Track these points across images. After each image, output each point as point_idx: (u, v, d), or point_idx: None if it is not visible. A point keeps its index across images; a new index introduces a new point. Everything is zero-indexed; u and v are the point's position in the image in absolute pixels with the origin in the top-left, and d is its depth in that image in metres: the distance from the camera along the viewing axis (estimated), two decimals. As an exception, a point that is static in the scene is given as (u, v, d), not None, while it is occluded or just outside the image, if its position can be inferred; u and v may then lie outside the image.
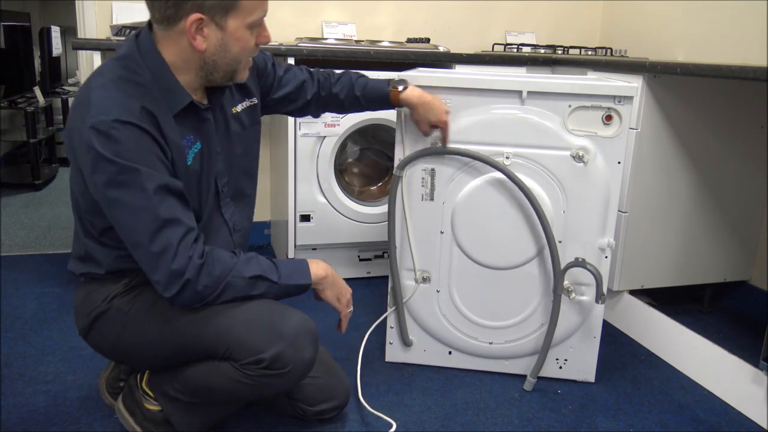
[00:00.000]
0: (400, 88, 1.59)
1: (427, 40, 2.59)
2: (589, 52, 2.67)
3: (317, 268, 1.35)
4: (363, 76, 1.64)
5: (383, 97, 1.60)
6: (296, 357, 1.24)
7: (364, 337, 1.79)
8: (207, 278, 1.19)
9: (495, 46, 2.80)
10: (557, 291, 1.69)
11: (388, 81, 1.61)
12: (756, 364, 1.64)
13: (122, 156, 1.12)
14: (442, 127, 1.62)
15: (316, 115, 1.69)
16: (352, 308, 1.45)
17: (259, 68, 1.49)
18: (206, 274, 1.19)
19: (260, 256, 1.29)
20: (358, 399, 1.62)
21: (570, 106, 1.62)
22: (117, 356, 1.40)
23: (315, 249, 2.42)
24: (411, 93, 1.58)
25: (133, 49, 1.22)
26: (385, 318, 1.82)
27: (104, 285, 1.32)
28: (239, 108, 1.41)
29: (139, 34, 1.24)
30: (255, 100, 1.46)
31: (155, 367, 1.41)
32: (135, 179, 1.13)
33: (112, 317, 1.31)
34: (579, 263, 1.66)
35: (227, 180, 1.39)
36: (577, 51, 2.68)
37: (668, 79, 1.95)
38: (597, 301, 1.67)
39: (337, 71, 1.65)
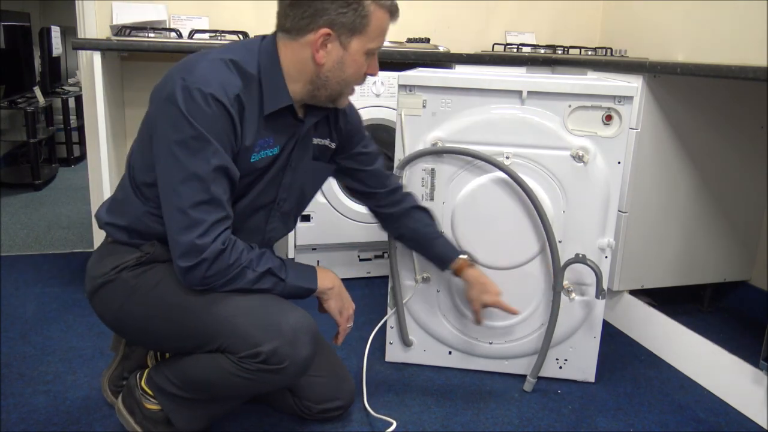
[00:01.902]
0: (474, 263, 1.67)
1: (427, 40, 2.59)
2: (589, 52, 2.67)
3: (325, 277, 1.38)
4: (437, 228, 1.67)
5: (447, 258, 1.65)
6: (293, 354, 1.24)
7: (363, 337, 1.79)
8: (221, 264, 1.22)
9: (495, 46, 2.80)
10: (557, 289, 1.69)
11: (460, 250, 1.67)
12: (756, 364, 1.64)
13: (202, 124, 1.17)
14: (496, 306, 1.65)
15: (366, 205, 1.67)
16: (351, 324, 1.45)
17: (353, 129, 1.51)
18: (222, 260, 1.21)
19: (273, 254, 1.32)
20: (362, 399, 1.62)
21: (570, 106, 1.62)
22: (117, 327, 1.40)
23: (315, 249, 2.42)
24: (476, 272, 1.65)
25: (254, 44, 1.29)
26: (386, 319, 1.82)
27: (118, 253, 1.34)
28: (316, 141, 1.45)
29: (266, 37, 1.30)
30: (333, 145, 1.49)
31: (152, 347, 1.43)
32: (205, 149, 1.18)
33: (117, 288, 1.32)
34: (579, 259, 1.66)
35: (287, 197, 1.42)
36: (577, 51, 2.68)
37: (668, 79, 1.95)
38: (597, 297, 1.67)
39: (419, 204, 1.65)
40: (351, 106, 1.50)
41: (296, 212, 1.50)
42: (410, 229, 1.64)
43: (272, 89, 1.27)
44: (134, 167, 1.31)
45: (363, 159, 1.56)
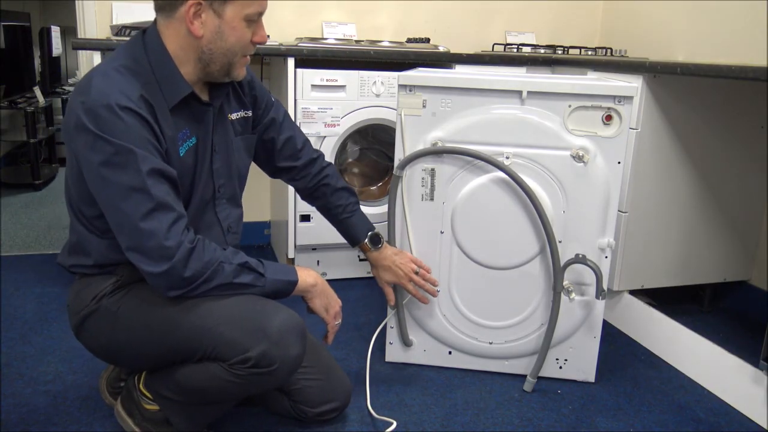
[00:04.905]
0: (372, 248, 1.65)
1: (427, 40, 2.59)
2: (589, 52, 2.67)
3: (306, 274, 1.36)
4: (357, 202, 1.68)
5: (354, 239, 1.66)
6: (282, 354, 1.24)
7: (364, 337, 1.79)
8: (196, 263, 1.19)
9: (495, 46, 2.80)
10: (557, 289, 1.69)
11: (369, 232, 1.65)
12: (756, 364, 1.64)
13: (119, 137, 1.14)
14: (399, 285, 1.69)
15: (276, 177, 1.65)
16: (340, 321, 1.45)
17: (258, 95, 1.49)
18: (195, 258, 1.19)
19: (246, 256, 1.30)
20: (364, 399, 1.62)
21: (570, 106, 1.62)
22: (108, 356, 1.39)
23: (315, 249, 2.42)
24: (377, 255, 1.66)
25: (137, 41, 1.26)
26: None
27: (93, 283, 1.32)
28: (234, 116, 1.43)
29: (147, 29, 1.28)
30: (249, 113, 1.48)
31: (146, 368, 1.41)
32: (130, 160, 1.15)
33: (101, 317, 1.31)
34: (579, 259, 1.66)
35: (224, 182, 1.40)
36: (577, 51, 2.68)
37: (668, 79, 1.95)
38: (597, 297, 1.67)
39: (340, 182, 1.65)
40: (251, 73, 1.47)
41: (240, 191, 1.49)
42: (321, 205, 1.66)
43: (168, 80, 1.24)
44: (78, 206, 1.28)
45: (277, 126, 1.54)
